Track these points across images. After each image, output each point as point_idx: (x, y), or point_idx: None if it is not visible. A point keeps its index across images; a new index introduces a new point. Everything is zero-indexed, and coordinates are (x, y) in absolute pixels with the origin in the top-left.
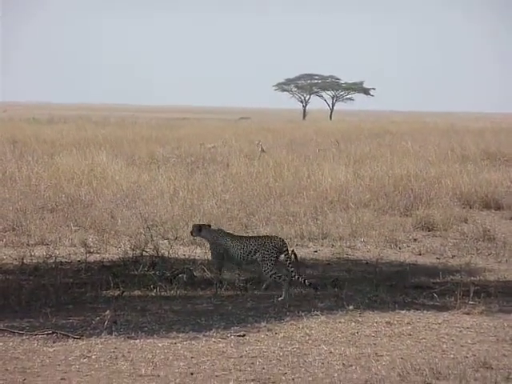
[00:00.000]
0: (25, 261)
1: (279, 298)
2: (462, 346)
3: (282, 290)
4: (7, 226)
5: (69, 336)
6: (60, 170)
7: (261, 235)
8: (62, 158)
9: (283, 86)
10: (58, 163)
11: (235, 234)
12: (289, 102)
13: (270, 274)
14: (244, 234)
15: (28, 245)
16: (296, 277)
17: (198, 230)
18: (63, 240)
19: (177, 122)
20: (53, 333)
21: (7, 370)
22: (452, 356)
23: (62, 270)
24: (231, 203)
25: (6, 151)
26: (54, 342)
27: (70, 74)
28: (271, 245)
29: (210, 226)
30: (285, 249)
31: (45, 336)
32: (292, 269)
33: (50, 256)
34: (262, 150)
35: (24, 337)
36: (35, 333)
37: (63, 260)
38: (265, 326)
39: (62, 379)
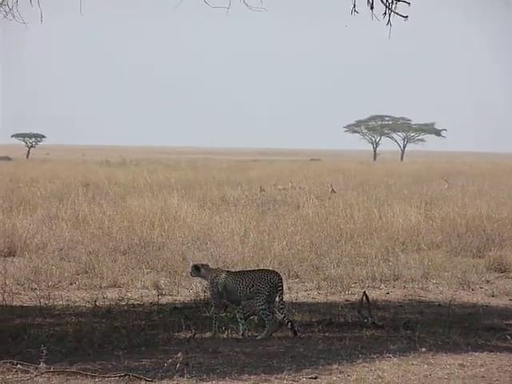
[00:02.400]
0: (97, 303)
1: (258, 337)
2: None
3: (265, 329)
4: (80, 268)
5: (141, 378)
6: (132, 212)
7: (258, 269)
8: (134, 200)
9: (354, 128)
10: (130, 206)
11: (232, 270)
12: (359, 144)
13: (259, 308)
14: (243, 270)
15: (100, 287)
16: (283, 317)
17: (197, 269)
18: (135, 282)
19: (248, 164)
20: (125, 375)
21: None
22: None
23: (135, 313)
24: (302, 245)
25: (79, 194)
26: None
27: (140, 117)
28: (266, 279)
29: (208, 265)
30: (280, 284)
31: (117, 378)
32: (282, 307)
33: (123, 298)
34: (333, 191)
35: (96, 379)
36: (108, 375)
37: (135, 302)
38: (337, 369)
39: None
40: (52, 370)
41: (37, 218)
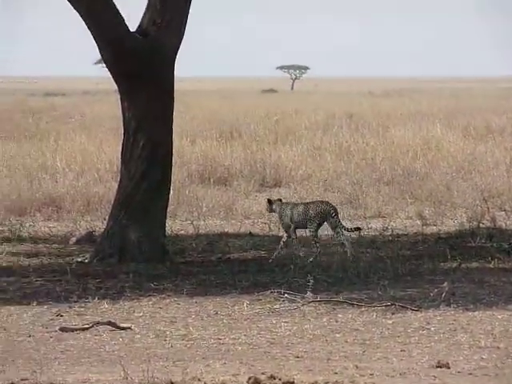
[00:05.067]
0: (362, 233)
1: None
2: None
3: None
4: (344, 199)
5: (407, 308)
6: (395, 142)
7: (312, 201)
8: (396, 130)
9: None
10: (393, 136)
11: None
12: None
13: (312, 234)
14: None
15: (365, 217)
16: (342, 236)
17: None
18: (399, 212)
19: None
20: (391, 305)
21: (347, 341)
22: None
23: (399, 243)
24: None
25: (343, 125)
26: (392, 314)
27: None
28: (318, 209)
29: (280, 200)
30: (333, 212)
31: (383, 308)
32: (338, 230)
33: (387, 228)
34: None
35: (363, 309)
36: (373, 304)
37: (399, 232)
38: None
39: (401, 351)
40: (318, 299)
41: (301, 150)
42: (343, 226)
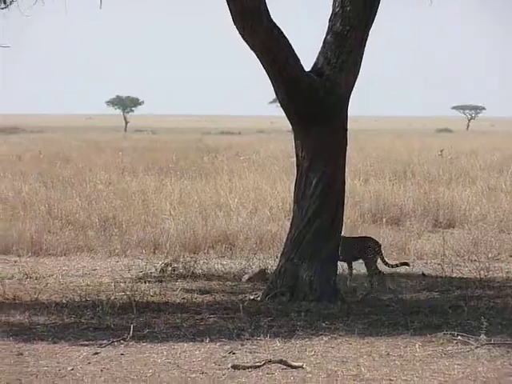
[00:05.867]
0: None
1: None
2: None
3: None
4: None
5: None
6: None
7: (359, 236)
8: None
9: None
10: None
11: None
12: None
13: (372, 269)
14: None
15: None
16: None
17: None
18: None
19: None
20: None
21: None
22: None
23: None
24: None
25: None
26: None
27: None
28: (371, 245)
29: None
30: (377, 248)
31: None
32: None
33: None
34: None
35: None
36: None
37: None
38: None
39: None
40: (492, 341)
41: (476, 190)
42: (386, 263)
